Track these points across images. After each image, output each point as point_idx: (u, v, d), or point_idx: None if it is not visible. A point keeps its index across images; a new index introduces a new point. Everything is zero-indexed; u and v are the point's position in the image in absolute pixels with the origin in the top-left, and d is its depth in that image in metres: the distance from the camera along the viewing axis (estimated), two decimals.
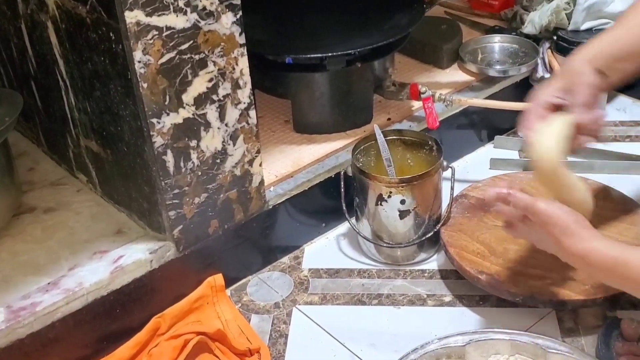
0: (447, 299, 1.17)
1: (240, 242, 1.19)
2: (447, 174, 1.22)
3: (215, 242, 1.15)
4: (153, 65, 0.96)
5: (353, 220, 1.24)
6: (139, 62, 0.95)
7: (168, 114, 1.00)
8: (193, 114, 1.03)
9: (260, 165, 1.16)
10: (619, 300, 1.10)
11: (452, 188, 1.23)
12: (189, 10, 0.97)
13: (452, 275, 1.20)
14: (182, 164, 1.05)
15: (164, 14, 0.95)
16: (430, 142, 1.23)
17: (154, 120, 0.99)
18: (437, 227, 1.21)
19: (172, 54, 0.97)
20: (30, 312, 1.00)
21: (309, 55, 1.29)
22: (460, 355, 0.98)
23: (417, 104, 1.39)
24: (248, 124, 1.10)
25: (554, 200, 0.95)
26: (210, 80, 1.03)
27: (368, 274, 1.22)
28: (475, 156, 1.48)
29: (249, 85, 1.08)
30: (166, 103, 1.00)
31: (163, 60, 0.97)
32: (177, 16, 0.96)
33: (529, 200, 0.93)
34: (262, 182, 1.17)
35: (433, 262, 1.24)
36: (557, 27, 1.46)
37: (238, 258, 1.20)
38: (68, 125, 1.20)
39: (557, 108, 1.01)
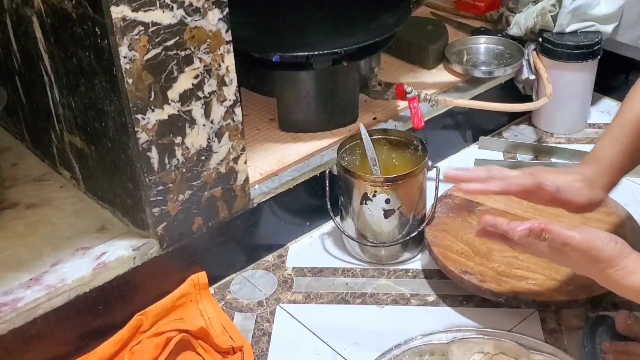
0: (431, 298, 1.17)
1: (224, 240, 1.19)
2: (431, 174, 1.23)
3: (199, 239, 1.15)
4: (138, 61, 0.96)
5: (337, 219, 1.24)
6: (125, 57, 0.94)
7: (153, 110, 1.00)
8: (178, 111, 1.03)
9: (245, 163, 1.15)
10: (601, 301, 1.10)
11: (436, 188, 1.24)
12: (175, 6, 0.96)
13: (436, 275, 1.20)
14: (166, 161, 1.05)
15: (150, 10, 0.94)
16: (415, 142, 1.23)
17: (139, 116, 0.99)
18: (422, 227, 1.22)
19: (157, 50, 0.97)
20: (11, 307, 0.99)
21: (295, 54, 1.29)
22: (444, 352, 0.98)
23: (402, 104, 1.40)
24: (233, 121, 1.10)
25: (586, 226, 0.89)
26: (196, 76, 1.03)
27: (352, 273, 1.22)
28: (460, 157, 1.49)
29: (235, 83, 1.08)
30: (151, 99, 0.99)
31: (149, 56, 0.96)
32: (163, 12, 0.95)
33: (568, 236, 0.85)
34: (247, 180, 1.17)
35: (417, 262, 1.24)
36: (543, 29, 1.46)
37: (222, 256, 1.20)
38: (52, 121, 1.19)
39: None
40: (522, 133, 1.56)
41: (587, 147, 1.47)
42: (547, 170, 0.99)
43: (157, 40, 0.96)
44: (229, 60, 1.05)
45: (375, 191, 1.16)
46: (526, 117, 1.58)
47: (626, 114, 1.01)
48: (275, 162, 1.28)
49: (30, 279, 1.04)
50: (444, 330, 1.00)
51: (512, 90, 1.52)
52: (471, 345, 0.99)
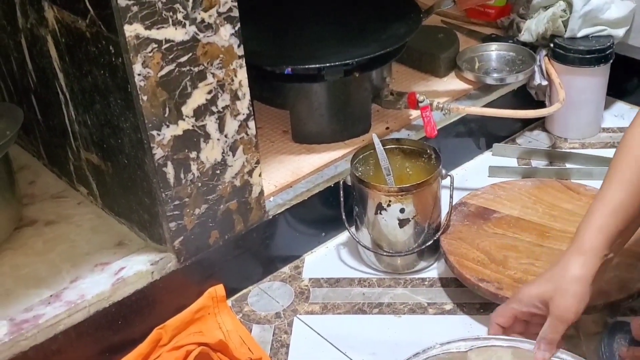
0: (448, 307, 1.17)
1: (240, 253, 1.19)
2: (446, 182, 1.23)
3: (215, 252, 1.16)
4: (153, 78, 0.97)
5: (353, 229, 1.25)
6: (139, 74, 0.96)
7: (168, 126, 1.01)
8: (193, 126, 1.04)
9: (260, 175, 1.16)
10: (619, 307, 1.10)
11: (451, 196, 1.24)
12: (187, 23, 0.97)
13: (453, 283, 1.20)
14: (182, 176, 1.06)
15: (163, 27, 0.95)
16: (428, 151, 1.24)
17: (154, 133, 1.00)
18: (437, 236, 1.22)
19: (171, 67, 0.98)
20: (33, 324, 1.00)
21: (307, 66, 1.30)
22: None
23: (415, 113, 1.40)
24: (247, 134, 1.11)
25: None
26: (210, 92, 1.04)
27: (368, 282, 1.23)
28: (474, 164, 1.49)
29: (248, 97, 1.09)
30: (166, 115, 1.00)
31: (162, 72, 0.98)
32: (176, 29, 0.97)
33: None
34: (261, 192, 1.18)
35: (433, 270, 1.24)
36: (554, 35, 1.46)
37: (239, 268, 1.21)
38: (68, 138, 1.20)
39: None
40: (536, 139, 1.55)
41: (602, 152, 1.47)
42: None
43: (170, 57, 0.97)
44: (242, 75, 1.06)
45: (390, 201, 1.16)
46: (540, 123, 1.58)
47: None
48: (289, 174, 1.28)
49: (51, 296, 1.05)
50: (462, 338, 1.00)
51: (524, 97, 1.52)
52: (490, 353, 0.98)
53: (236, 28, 1.03)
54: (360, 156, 1.24)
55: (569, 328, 0.93)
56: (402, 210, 1.17)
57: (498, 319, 0.98)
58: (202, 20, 0.99)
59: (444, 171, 1.20)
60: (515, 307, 0.96)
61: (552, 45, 1.46)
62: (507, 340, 0.98)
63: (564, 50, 1.44)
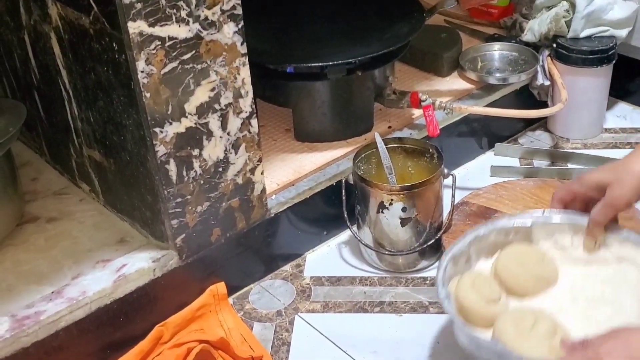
0: None
1: (242, 251, 1.20)
2: (447, 181, 1.23)
3: (217, 250, 1.16)
4: (156, 75, 0.97)
5: (354, 228, 1.25)
6: (142, 72, 0.96)
7: (171, 123, 1.01)
8: (195, 123, 1.04)
9: (262, 173, 1.16)
10: None
11: (453, 195, 1.24)
12: (191, 20, 0.97)
13: None
14: (184, 173, 1.06)
15: (166, 24, 0.95)
16: (431, 150, 1.24)
17: (157, 130, 1.00)
18: (439, 235, 1.22)
19: (174, 64, 0.98)
20: (34, 321, 1.00)
21: (309, 64, 1.30)
22: (527, 233, 1.05)
23: (417, 112, 1.40)
24: (250, 132, 1.11)
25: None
26: (213, 89, 1.04)
27: (370, 281, 1.23)
28: (476, 164, 1.49)
29: (251, 95, 1.09)
30: (169, 112, 1.00)
31: (166, 70, 0.98)
32: (179, 26, 0.97)
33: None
34: (263, 190, 1.18)
35: (435, 270, 1.24)
36: (557, 35, 1.46)
37: (240, 266, 1.21)
38: (71, 135, 1.20)
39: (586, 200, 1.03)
40: (538, 139, 1.55)
41: (604, 152, 1.47)
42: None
43: (173, 54, 0.97)
44: (245, 73, 1.06)
45: (392, 200, 1.16)
46: (542, 123, 1.58)
47: None
48: (291, 172, 1.28)
49: (52, 292, 1.05)
50: (528, 214, 1.06)
51: (527, 97, 1.52)
52: (552, 228, 1.04)
53: (239, 26, 1.03)
54: (363, 155, 1.24)
55: (616, 216, 1.01)
56: (404, 209, 1.17)
57: (560, 192, 1.05)
58: (206, 18, 0.99)
59: (446, 170, 1.20)
60: (576, 188, 1.03)
61: (554, 45, 1.46)
62: (567, 216, 1.04)
63: (566, 51, 1.44)
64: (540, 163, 1.48)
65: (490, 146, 1.52)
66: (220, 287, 1.16)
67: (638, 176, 0.97)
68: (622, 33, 1.46)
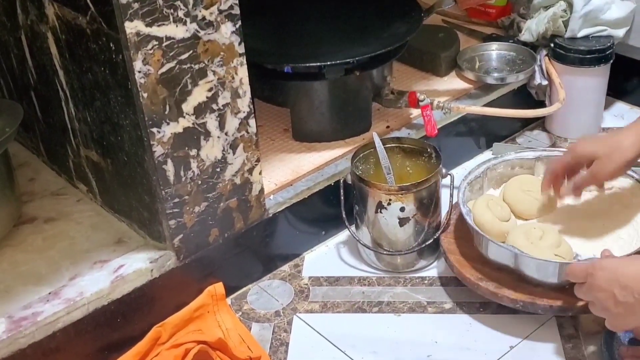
0: (448, 306, 1.17)
1: (240, 251, 1.19)
2: (446, 181, 1.23)
3: (215, 250, 1.15)
4: (153, 75, 0.97)
5: (353, 228, 1.25)
6: (139, 72, 0.95)
7: (168, 124, 1.01)
8: (193, 123, 1.04)
9: (260, 173, 1.16)
10: None
11: (451, 195, 1.24)
12: (188, 20, 0.97)
13: (452, 282, 1.20)
14: (182, 173, 1.05)
15: (163, 24, 0.95)
16: (429, 150, 1.24)
17: (154, 130, 1.00)
18: (437, 235, 1.22)
19: (172, 64, 0.98)
20: (31, 322, 1.00)
21: (307, 64, 1.30)
22: (530, 166, 1.26)
23: (415, 112, 1.40)
24: (248, 132, 1.11)
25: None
26: (210, 89, 1.03)
27: (368, 281, 1.23)
28: (474, 163, 1.47)
29: (249, 94, 1.08)
30: (166, 112, 1.00)
31: (163, 70, 0.97)
32: (176, 26, 0.96)
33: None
34: (262, 190, 1.17)
35: (433, 269, 1.24)
36: (554, 35, 1.46)
37: (238, 266, 1.21)
38: (68, 136, 1.20)
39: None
40: (536, 138, 1.55)
41: None
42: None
43: (171, 54, 0.97)
44: (243, 73, 1.06)
45: (390, 199, 1.16)
46: (539, 123, 1.58)
47: None
48: (289, 172, 1.28)
49: (49, 293, 1.05)
50: (531, 148, 1.29)
51: (525, 96, 1.52)
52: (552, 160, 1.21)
53: (237, 26, 1.02)
54: (361, 155, 1.24)
55: (601, 185, 1.16)
56: (402, 209, 1.17)
57: (553, 165, 1.17)
58: (203, 18, 0.98)
59: (444, 170, 1.20)
60: (568, 160, 1.14)
61: (552, 45, 1.46)
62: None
63: (564, 50, 1.44)
64: None
65: (488, 146, 1.52)
66: (218, 287, 1.16)
67: (626, 153, 1.07)
68: (620, 33, 1.46)
